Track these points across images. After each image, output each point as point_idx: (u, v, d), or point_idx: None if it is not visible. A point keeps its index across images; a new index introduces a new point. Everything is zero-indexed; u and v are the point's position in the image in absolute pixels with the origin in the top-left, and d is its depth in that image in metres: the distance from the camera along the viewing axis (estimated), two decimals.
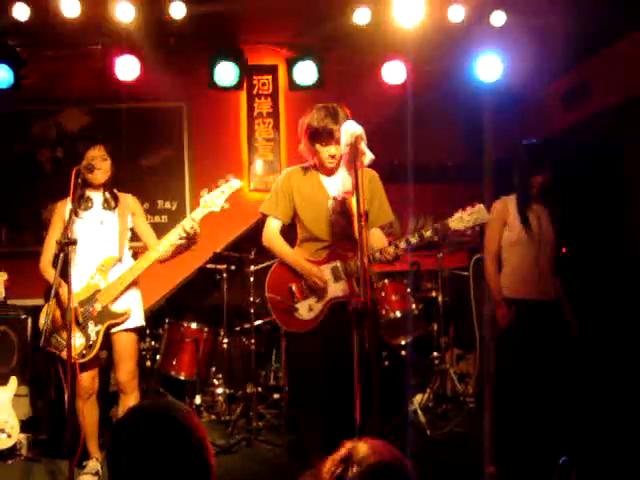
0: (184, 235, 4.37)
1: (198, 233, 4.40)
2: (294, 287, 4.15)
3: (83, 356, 4.42)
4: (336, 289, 4.11)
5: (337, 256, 4.12)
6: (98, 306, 4.45)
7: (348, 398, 3.70)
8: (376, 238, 4.18)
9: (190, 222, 4.35)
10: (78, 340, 4.39)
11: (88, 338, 4.43)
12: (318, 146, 4.10)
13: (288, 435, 5.54)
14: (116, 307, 4.51)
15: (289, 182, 4.27)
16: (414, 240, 3.94)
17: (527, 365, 4.63)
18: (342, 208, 4.15)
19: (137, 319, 4.64)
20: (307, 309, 4.13)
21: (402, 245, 3.95)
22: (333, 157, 4.11)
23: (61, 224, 4.57)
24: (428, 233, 3.92)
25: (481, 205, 3.96)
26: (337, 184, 4.20)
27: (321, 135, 4.05)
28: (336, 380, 3.92)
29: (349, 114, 4.08)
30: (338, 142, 3.96)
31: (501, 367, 5.00)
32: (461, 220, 3.91)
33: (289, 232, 4.36)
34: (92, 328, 4.44)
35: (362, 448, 1.79)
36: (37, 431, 5.56)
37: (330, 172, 4.22)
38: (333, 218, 4.16)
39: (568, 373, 4.75)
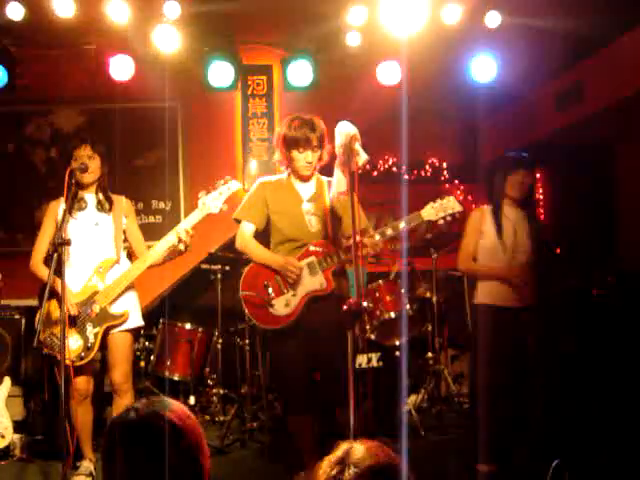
0: (178, 239, 4.37)
1: (190, 242, 4.41)
2: (270, 283, 4.23)
3: (81, 358, 4.40)
4: (312, 282, 4.20)
5: (312, 253, 4.23)
6: (97, 308, 4.43)
7: (330, 392, 3.84)
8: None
9: (185, 227, 4.37)
10: (76, 342, 4.38)
11: (86, 340, 4.41)
12: (295, 153, 4.24)
13: (271, 435, 5.53)
14: (114, 309, 4.49)
15: (263, 191, 4.40)
16: (389, 232, 4.09)
17: (507, 371, 4.61)
18: (315, 210, 4.31)
19: (135, 319, 4.62)
20: (283, 304, 4.20)
21: (377, 237, 4.10)
22: (309, 163, 4.26)
23: (53, 224, 4.54)
24: (401, 224, 4.09)
25: (451, 197, 4.17)
26: (311, 190, 4.36)
27: (298, 142, 4.19)
28: (316, 373, 4.13)
29: (324, 128, 4.25)
30: (314, 149, 4.20)
31: (479, 369, 4.98)
32: (432, 210, 4.11)
33: (261, 237, 4.44)
34: (90, 330, 4.42)
35: (358, 450, 1.79)
36: (31, 432, 5.54)
37: (305, 179, 4.36)
38: (307, 220, 4.29)
39: (549, 375, 4.75)
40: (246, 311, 4.30)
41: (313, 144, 4.19)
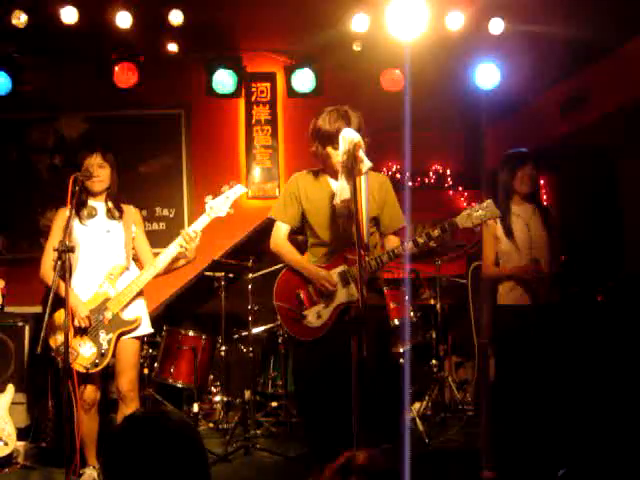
0: (186, 242, 4.38)
1: (195, 249, 4.42)
2: (302, 294, 4.07)
3: (96, 365, 4.40)
4: (345, 293, 4.02)
5: (344, 260, 4.04)
6: (109, 314, 4.44)
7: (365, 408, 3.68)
8: (392, 244, 4.15)
9: (193, 229, 4.41)
10: (90, 350, 4.39)
11: (100, 347, 4.41)
12: (330, 149, 4.01)
13: (287, 444, 5.51)
14: (126, 315, 4.50)
15: (297, 187, 4.21)
16: (422, 240, 3.90)
17: (525, 371, 4.63)
18: (347, 212, 3.99)
19: (145, 327, 4.64)
20: (316, 316, 4.04)
21: (409, 246, 3.92)
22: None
23: (61, 231, 4.53)
24: (436, 232, 3.89)
25: (489, 200, 3.94)
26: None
27: (333, 138, 3.92)
28: (346, 388, 3.81)
29: (362, 119, 4.02)
30: None
31: (500, 373, 5.00)
32: (469, 217, 3.90)
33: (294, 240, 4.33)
34: (104, 337, 4.43)
35: (360, 458, 1.78)
36: (34, 439, 5.54)
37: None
38: (340, 222, 4.08)
39: (566, 378, 4.75)
40: (281, 321, 4.17)
41: None
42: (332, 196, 4.06)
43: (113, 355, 4.51)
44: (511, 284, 4.78)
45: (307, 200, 4.17)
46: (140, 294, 4.62)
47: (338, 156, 3.89)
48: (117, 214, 4.67)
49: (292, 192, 4.21)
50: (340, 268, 4.05)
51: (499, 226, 4.79)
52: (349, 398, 3.52)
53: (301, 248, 4.33)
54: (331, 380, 3.97)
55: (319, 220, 4.14)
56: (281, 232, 4.22)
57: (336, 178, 4.03)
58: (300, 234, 4.39)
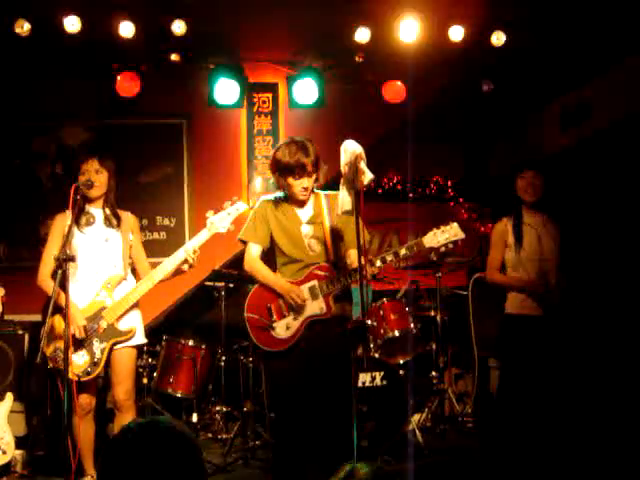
0: (185, 259, 4.41)
1: (195, 261, 4.45)
2: (272, 306, 4.25)
3: (88, 374, 4.41)
4: (313, 307, 4.19)
5: (314, 276, 4.22)
6: (104, 323, 4.44)
7: (325, 414, 3.84)
8: (353, 259, 4.21)
9: (193, 245, 4.44)
10: (82, 358, 4.39)
11: (93, 355, 4.42)
12: (290, 180, 4.19)
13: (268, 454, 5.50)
14: (121, 325, 4.51)
15: (265, 210, 4.37)
16: (389, 258, 4.03)
17: (530, 381, 4.64)
18: (314, 232, 4.28)
19: (139, 337, 4.63)
20: (284, 328, 4.21)
21: (378, 263, 4.03)
22: (306, 189, 4.22)
23: (60, 238, 4.53)
24: (403, 251, 4.04)
25: (455, 223, 4.09)
26: (309, 212, 4.32)
27: (293, 169, 4.14)
28: (313, 396, 4.08)
29: (318, 150, 4.21)
30: (310, 175, 4.16)
31: (504, 383, 5.01)
32: (434, 237, 4.03)
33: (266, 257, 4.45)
34: (97, 346, 4.43)
35: (361, 471, 1.78)
36: (32, 448, 5.52)
37: (301, 204, 4.33)
38: (307, 242, 4.27)
39: (571, 387, 4.76)
40: (249, 332, 4.32)
41: (308, 170, 4.15)
42: (297, 219, 4.30)
43: (106, 364, 4.51)
44: (523, 295, 4.79)
45: (275, 223, 4.34)
46: (136, 305, 4.62)
47: (299, 185, 4.16)
48: (115, 222, 4.67)
49: (262, 215, 4.37)
50: (310, 283, 4.21)
51: (511, 233, 4.81)
52: (318, 404, 3.93)
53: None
54: (302, 387, 4.15)
55: (288, 242, 4.31)
56: (253, 252, 4.39)
57: (299, 206, 4.31)
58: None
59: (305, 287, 4.21)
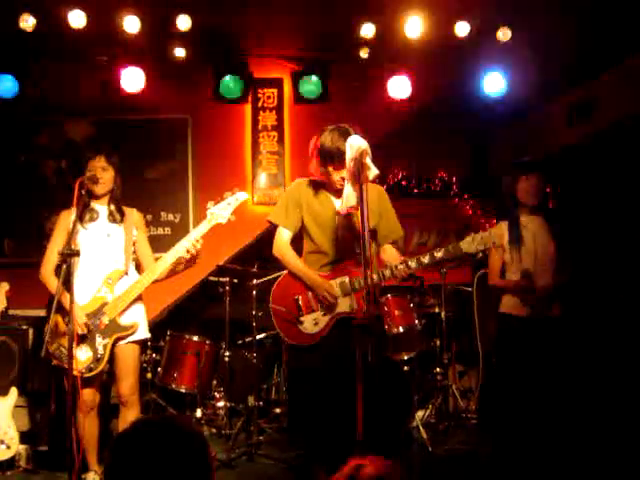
0: (187, 250, 4.36)
1: (199, 250, 4.38)
2: (301, 299, 4.10)
3: (90, 370, 4.39)
4: (344, 304, 4.06)
5: (344, 272, 4.08)
6: (106, 319, 4.43)
7: (350, 413, 3.71)
8: (389, 255, 4.18)
9: (194, 236, 4.36)
10: (85, 354, 4.37)
11: (96, 351, 4.40)
12: (330, 169, 4.05)
13: (290, 451, 5.48)
14: (123, 320, 4.48)
15: (299, 194, 4.24)
16: (426, 260, 3.91)
17: (525, 382, 4.61)
18: (349, 224, 4.11)
19: (143, 331, 4.61)
20: (312, 323, 4.08)
21: (413, 265, 3.92)
22: (344, 179, 3.97)
23: (64, 234, 4.52)
24: (439, 254, 3.91)
25: (492, 229, 3.97)
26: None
27: (334, 158, 3.98)
28: (338, 395, 3.85)
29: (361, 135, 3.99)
30: None
31: (502, 384, 5.00)
32: (472, 243, 3.90)
33: (294, 243, 4.32)
34: (100, 341, 4.41)
35: (368, 467, 1.77)
36: (36, 443, 5.53)
37: (339, 192, 4.12)
38: (340, 234, 4.12)
39: (568, 389, 4.73)
40: (275, 324, 4.18)
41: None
42: (332, 208, 4.15)
43: (109, 360, 4.50)
44: (515, 296, 4.77)
45: (308, 208, 4.21)
46: (139, 299, 4.60)
47: (337, 175, 4.01)
48: (119, 217, 4.65)
49: (295, 198, 4.24)
50: (341, 279, 4.08)
51: (506, 235, 4.78)
52: (344, 404, 3.57)
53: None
54: (326, 386, 3.99)
55: (319, 231, 4.18)
56: (284, 237, 4.24)
57: (336, 196, 4.13)
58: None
59: (336, 282, 4.07)
